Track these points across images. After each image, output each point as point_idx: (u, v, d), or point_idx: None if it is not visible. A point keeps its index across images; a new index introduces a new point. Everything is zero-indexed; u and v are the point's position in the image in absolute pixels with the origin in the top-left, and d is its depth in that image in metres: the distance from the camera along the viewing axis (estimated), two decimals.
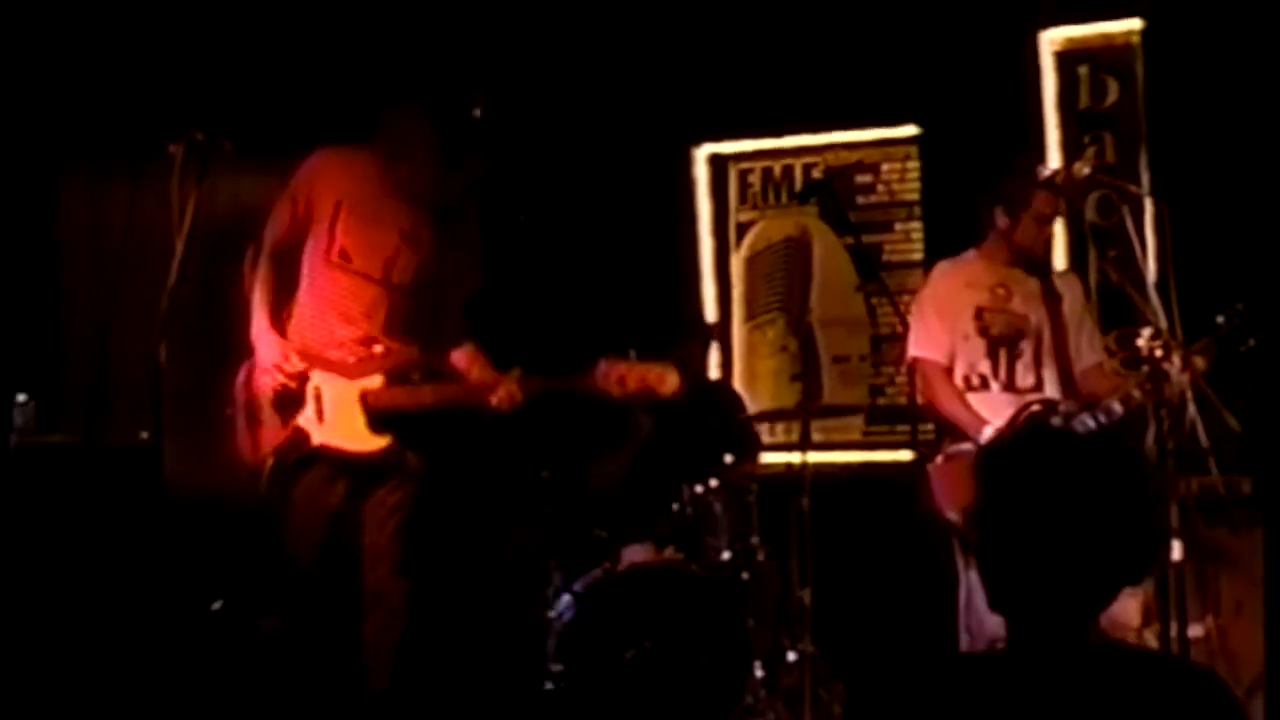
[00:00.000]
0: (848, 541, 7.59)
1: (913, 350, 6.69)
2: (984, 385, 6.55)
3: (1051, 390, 6.53)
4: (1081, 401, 6.44)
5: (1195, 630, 6.10)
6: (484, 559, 7.63)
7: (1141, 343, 6.11)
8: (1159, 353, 6.04)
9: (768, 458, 8.07)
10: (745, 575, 7.14)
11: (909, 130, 8.40)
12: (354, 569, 6.10)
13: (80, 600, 6.18)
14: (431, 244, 6.13)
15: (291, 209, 6.09)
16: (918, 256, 8.35)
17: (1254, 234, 7.14)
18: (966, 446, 6.38)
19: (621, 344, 7.92)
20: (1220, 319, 6.12)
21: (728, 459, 7.44)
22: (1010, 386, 6.55)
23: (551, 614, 7.18)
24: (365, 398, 6.04)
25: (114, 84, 7.78)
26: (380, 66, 8.02)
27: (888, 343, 8.44)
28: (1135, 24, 7.82)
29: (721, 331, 8.82)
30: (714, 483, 7.28)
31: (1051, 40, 8.00)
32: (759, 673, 6.90)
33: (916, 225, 8.44)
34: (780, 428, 8.43)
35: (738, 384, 8.70)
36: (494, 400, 6.11)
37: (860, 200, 8.55)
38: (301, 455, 6.00)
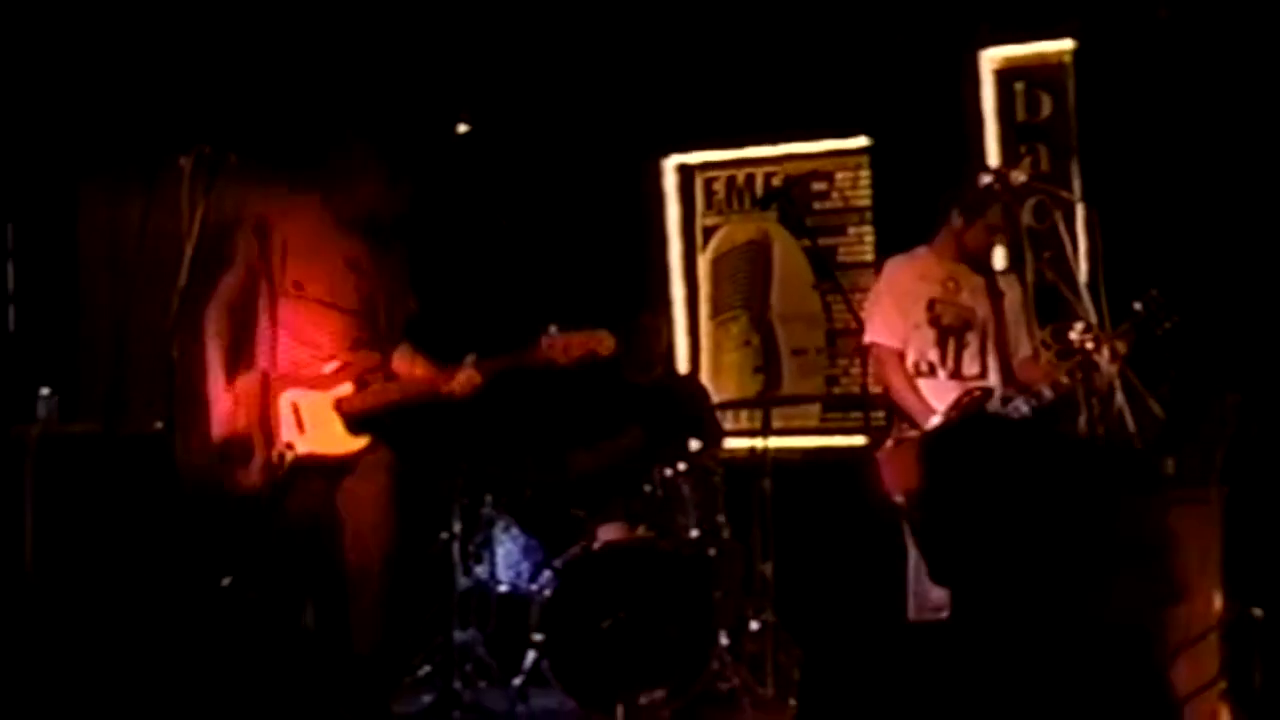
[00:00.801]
0: (806, 520, 7.60)
1: (869, 337, 6.66)
2: (932, 372, 6.54)
3: (993, 378, 6.53)
4: (1017, 388, 6.46)
5: None
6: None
7: (1074, 336, 6.11)
8: (1089, 345, 6.04)
9: (732, 443, 8.09)
10: (711, 551, 7.15)
11: (860, 142, 8.40)
12: (341, 556, 6.12)
13: (99, 574, 6.17)
14: (373, 270, 6.14)
15: (245, 264, 6.09)
16: (869, 258, 8.36)
17: (1175, 235, 7.18)
18: (914, 433, 6.38)
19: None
20: (1138, 305, 6.13)
21: (695, 445, 7.45)
22: (957, 374, 6.54)
23: (533, 588, 7.20)
24: (339, 404, 6.07)
25: (128, 103, 7.77)
26: (369, 82, 8.04)
27: (842, 337, 8.45)
28: (1067, 45, 7.83)
29: (690, 327, 8.82)
30: (682, 466, 7.29)
31: (991, 59, 8.00)
32: (724, 640, 6.91)
33: (868, 229, 8.45)
34: (744, 415, 8.45)
35: (705, 376, 8.70)
36: (455, 387, 6.13)
37: (816, 206, 8.56)
38: (291, 467, 6.03)
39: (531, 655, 6.95)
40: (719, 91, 8.33)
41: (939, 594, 2.91)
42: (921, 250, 6.70)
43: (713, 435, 7.85)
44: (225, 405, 6.00)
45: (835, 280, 8.03)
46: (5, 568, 6.25)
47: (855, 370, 8.13)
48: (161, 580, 5.89)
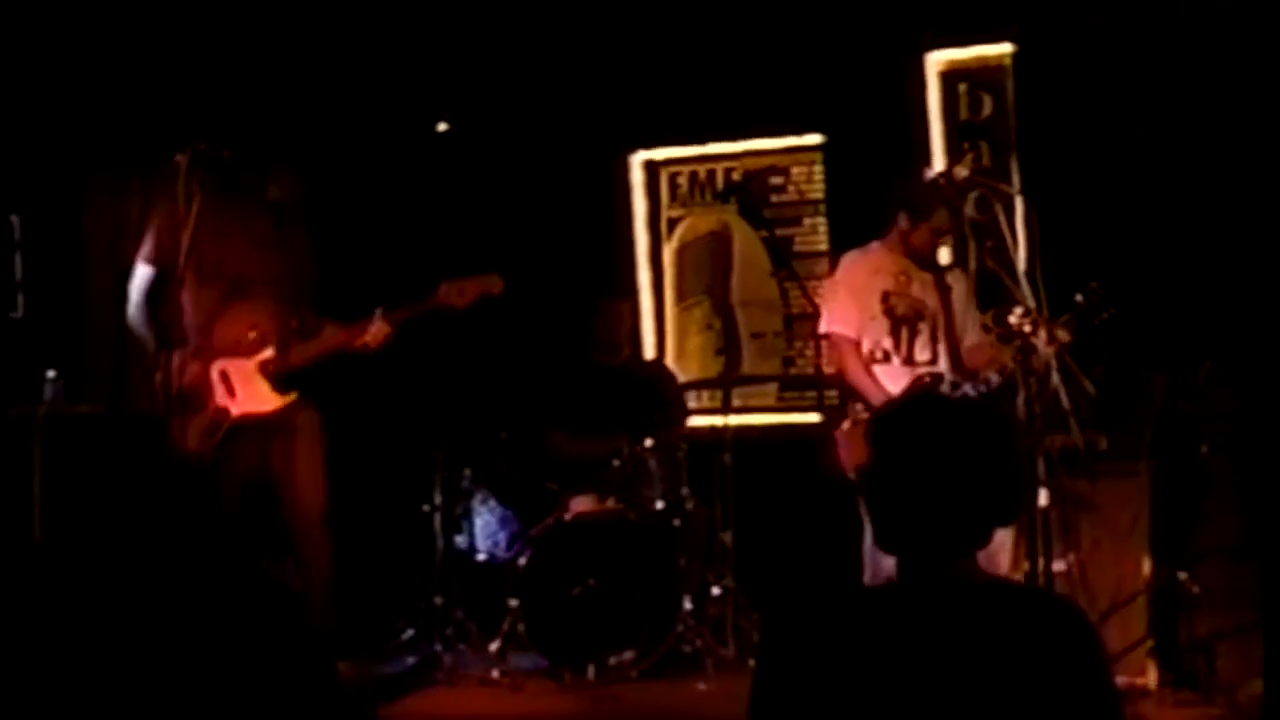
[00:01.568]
0: (764, 492, 7.61)
1: (827, 327, 6.65)
2: (886, 359, 6.54)
3: (943, 364, 6.53)
4: (966, 374, 6.47)
5: (1059, 565, 6.11)
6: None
7: (1013, 320, 6.11)
8: (1028, 329, 6.05)
9: (695, 421, 8.09)
10: (676, 522, 7.15)
11: (815, 139, 8.40)
12: (282, 512, 6.23)
13: (103, 545, 6.15)
14: (280, 246, 6.27)
15: (155, 249, 6.15)
16: (823, 247, 8.35)
17: (1106, 225, 7.19)
18: (869, 415, 6.38)
19: (563, 324, 7.98)
20: (1079, 297, 6.14)
21: (660, 422, 7.45)
22: (909, 360, 6.54)
23: (510, 556, 7.19)
24: (264, 366, 6.22)
25: (130, 102, 7.73)
26: (348, 83, 8.01)
27: (798, 321, 8.45)
28: (1007, 48, 7.83)
29: (656, 313, 8.81)
30: (649, 442, 7.29)
31: (935, 62, 8.00)
32: (688, 605, 6.91)
33: (821, 220, 8.44)
34: (706, 395, 8.45)
35: (670, 358, 8.69)
36: (368, 338, 6.23)
37: (773, 199, 8.55)
38: (227, 429, 6.11)
39: (508, 620, 6.95)
40: (683, 93, 8.32)
41: (892, 562, 2.91)
42: (874, 245, 6.70)
43: (677, 414, 7.86)
44: (175, 362, 6.07)
45: (791, 268, 8.01)
46: (15, 539, 6.24)
47: (810, 353, 8.13)
48: (163, 553, 5.88)
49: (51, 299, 7.72)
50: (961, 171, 6.96)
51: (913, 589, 2.84)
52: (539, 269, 8.11)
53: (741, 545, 7.17)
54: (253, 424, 6.18)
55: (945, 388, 6.38)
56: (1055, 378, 6.06)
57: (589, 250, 8.58)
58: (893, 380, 6.41)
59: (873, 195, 6.81)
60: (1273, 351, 5.27)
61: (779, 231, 8.35)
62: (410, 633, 7.32)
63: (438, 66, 8.38)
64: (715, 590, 7.11)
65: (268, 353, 6.23)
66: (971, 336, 6.64)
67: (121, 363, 6.60)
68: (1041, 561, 5.83)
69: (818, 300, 6.78)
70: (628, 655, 6.81)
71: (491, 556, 7.45)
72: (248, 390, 6.19)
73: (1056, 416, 6.07)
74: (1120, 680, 5.86)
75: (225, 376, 6.18)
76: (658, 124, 8.50)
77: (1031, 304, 6.11)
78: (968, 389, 6.34)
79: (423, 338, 6.51)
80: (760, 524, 7.42)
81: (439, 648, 7.15)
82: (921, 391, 6.28)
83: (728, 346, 8.69)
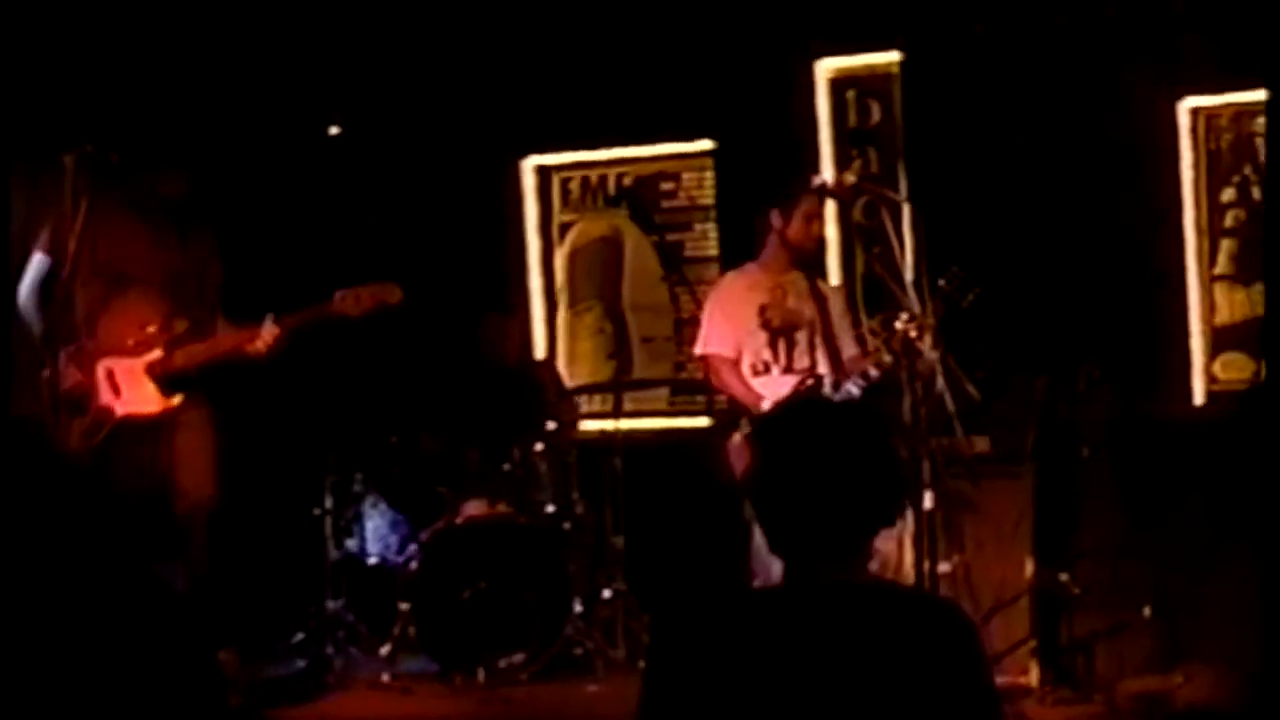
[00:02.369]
0: (654, 496, 7.62)
1: (703, 349, 6.76)
2: (766, 370, 6.62)
3: (823, 369, 6.61)
4: (847, 373, 6.53)
5: (944, 567, 6.18)
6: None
7: (899, 325, 6.18)
8: (913, 333, 6.12)
9: (586, 424, 8.09)
10: (566, 525, 7.16)
11: (705, 145, 8.42)
12: (173, 512, 6.18)
13: None
14: (177, 246, 6.24)
15: (50, 239, 6.09)
16: (713, 252, 8.38)
17: (990, 231, 7.28)
18: None
19: (453, 328, 7.96)
20: (941, 281, 6.21)
21: (550, 426, 7.45)
22: (789, 369, 6.61)
23: (400, 559, 7.17)
24: (150, 368, 6.18)
25: (11, 103, 7.62)
26: (240, 86, 7.94)
27: (688, 325, 8.43)
28: (895, 56, 7.89)
29: (547, 317, 8.80)
30: (539, 446, 7.29)
31: (825, 70, 8.05)
32: (578, 608, 6.92)
33: (712, 226, 8.46)
34: (597, 399, 8.44)
35: (561, 362, 8.68)
36: (259, 344, 6.21)
37: (664, 204, 8.56)
38: (110, 430, 6.06)
39: (399, 623, 6.92)
40: (574, 99, 8.33)
41: (779, 566, 2.93)
42: (750, 266, 6.81)
43: (568, 417, 7.85)
44: (61, 361, 6.00)
45: (682, 273, 8.08)
46: None
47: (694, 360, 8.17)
48: (48, 559, 5.79)
49: None
50: (849, 178, 7.04)
51: (798, 591, 2.86)
52: (430, 273, 8.08)
53: (632, 548, 7.20)
54: (137, 425, 6.12)
55: (827, 389, 6.45)
56: (940, 382, 6.13)
57: (480, 255, 8.56)
58: (775, 390, 6.48)
59: (762, 201, 6.84)
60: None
61: (669, 237, 8.38)
62: (301, 636, 7.27)
63: (330, 70, 8.33)
64: (605, 593, 7.12)
65: (155, 354, 6.19)
66: (851, 348, 6.73)
67: (4, 366, 6.52)
68: (928, 563, 5.90)
69: (700, 320, 6.84)
70: (518, 658, 6.81)
71: (382, 560, 7.42)
72: (133, 391, 6.14)
73: (941, 419, 6.15)
74: (1002, 680, 5.93)
75: (111, 375, 6.12)
76: (549, 129, 8.50)
77: (917, 309, 6.17)
78: (850, 387, 6.40)
79: (314, 341, 6.47)
80: (650, 527, 7.44)
81: (330, 651, 7.11)
82: (803, 395, 6.34)
83: (619, 351, 8.70)
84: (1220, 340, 7.37)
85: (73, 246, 5.77)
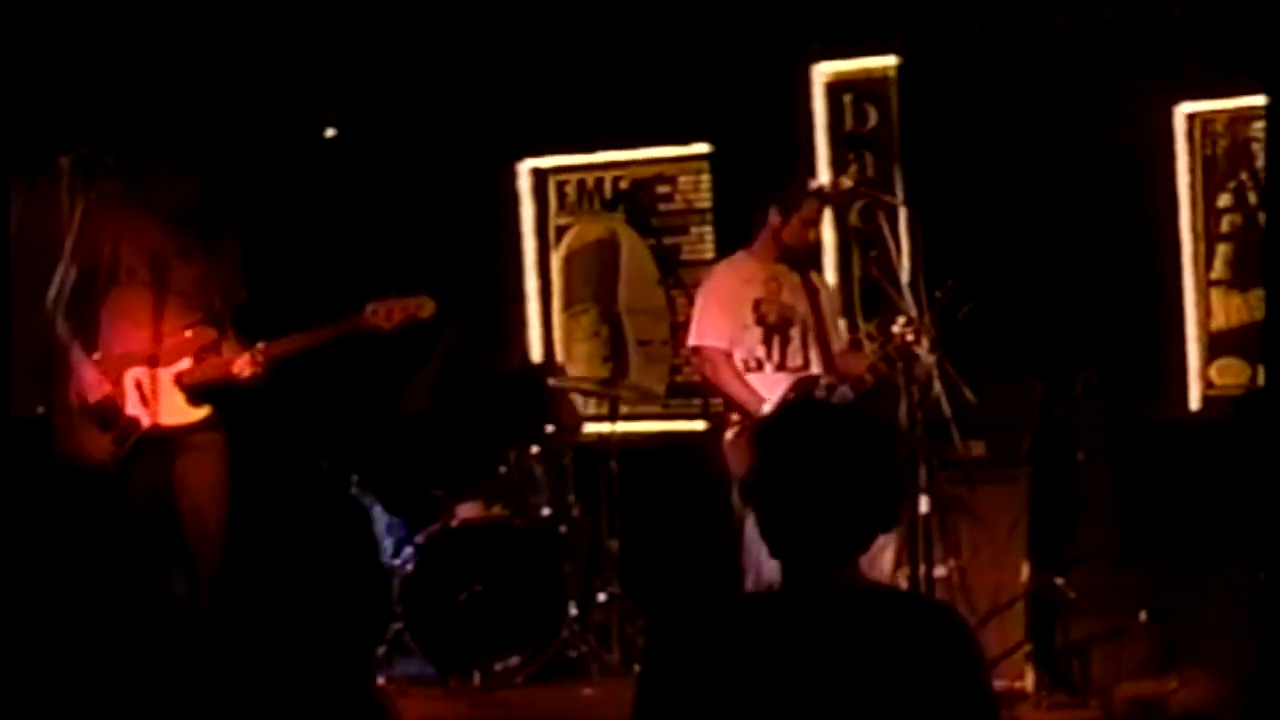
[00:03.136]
0: (650, 499, 7.62)
1: (696, 340, 6.71)
2: (759, 367, 6.59)
3: (816, 368, 6.60)
4: (839, 376, 6.53)
5: (939, 571, 6.19)
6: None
7: (896, 329, 6.19)
8: (910, 337, 6.13)
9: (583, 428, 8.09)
10: (562, 528, 7.16)
11: (702, 148, 8.41)
12: (177, 524, 6.15)
13: None
14: (203, 257, 6.19)
15: (79, 257, 6.07)
16: (709, 256, 8.36)
17: (987, 235, 7.28)
18: (745, 423, 6.41)
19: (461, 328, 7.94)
20: (937, 293, 6.22)
21: (548, 429, 7.45)
22: (782, 367, 6.60)
23: (396, 562, 7.16)
24: (179, 378, 6.11)
25: (10, 104, 7.61)
26: (237, 88, 7.94)
27: (684, 329, 8.43)
28: (891, 61, 7.89)
29: (544, 319, 8.80)
30: (535, 449, 7.29)
31: (822, 73, 8.04)
32: (573, 611, 6.92)
33: (708, 229, 8.46)
34: (592, 401, 8.44)
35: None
36: (235, 369, 6.14)
37: (660, 207, 8.56)
38: (137, 440, 6.03)
39: (394, 626, 6.92)
40: (571, 102, 8.32)
41: (772, 567, 2.93)
42: (741, 255, 6.76)
43: (566, 420, 7.85)
44: (92, 373, 6.03)
45: (678, 276, 8.09)
46: None
47: (685, 352, 8.16)
48: (45, 560, 5.80)
49: None
50: (846, 182, 7.05)
51: (795, 595, 2.86)
52: (427, 276, 8.07)
53: (627, 552, 7.19)
54: (161, 436, 6.08)
55: (821, 390, 6.44)
56: (937, 386, 6.14)
57: (477, 257, 8.55)
58: (769, 387, 6.46)
59: (759, 203, 6.84)
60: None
61: (666, 240, 8.38)
62: None
63: (326, 73, 8.33)
64: (601, 596, 7.12)
65: (184, 363, 6.12)
66: (839, 343, 6.72)
67: (2, 367, 6.51)
68: (923, 567, 5.90)
69: (690, 312, 6.82)
70: (513, 661, 6.81)
71: None
72: (162, 401, 6.07)
73: (937, 424, 6.15)
74: (998, 684, 5.93)
75: (140, 386, 6.06)
76: (546, 132, 8.50)
77: (914, 313, 6.18)
78: (844, 390, 6.40)
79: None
80: (646, 530, 7.43)
81: None
82: (801, 395, 6.33)
83: (614, 353, 8.70)
84: (1216, 345, 7.36)
85: (90, 246, 5.80)
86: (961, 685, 2.76)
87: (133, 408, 6.06)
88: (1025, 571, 6.59)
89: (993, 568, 6.56)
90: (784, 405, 6.13)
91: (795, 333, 6.61)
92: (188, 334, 6.14)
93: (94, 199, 5.91)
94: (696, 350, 6.74)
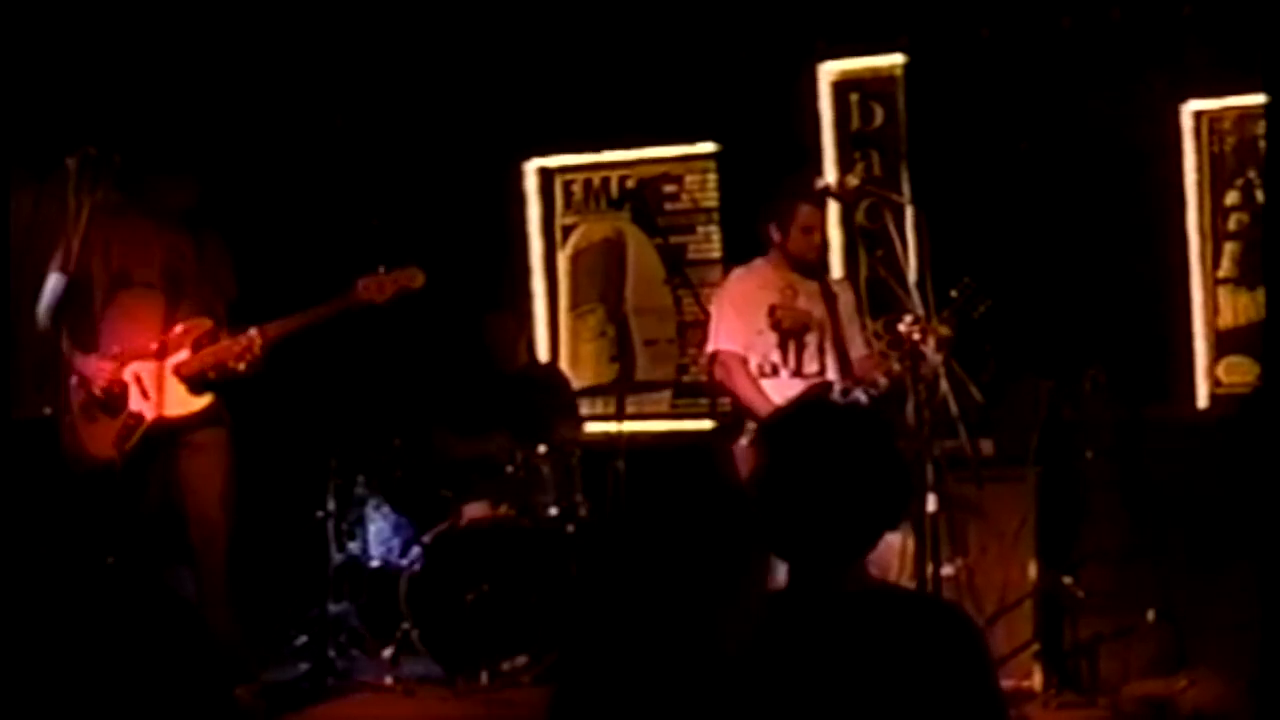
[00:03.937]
0: (657, 498, 7.60)
1: (714, 345, 6.69)
2: (775, 373, 6.58)
3: (832, 374, 6.59)
4: (855, 380, 6.52)
5: (947, 570, 6.18)
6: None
7: (903, 328, 6.18)
8: (917, 336, 6.12)
9: (589, 427, 8.08)
10: (569, 528, 7.15)
11: (708, 147, 8.41)
12: (183, 522, 6.22)
13: None
14: (193, 256, 6.27)
15: (64, 256, 6.11)
16: (716, 255, 8.37)
17: (994, 234, 7.28)
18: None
19: (456, 330, 7.94)
20: (954, 292, 6.21)
21: (555, 428, 7.45)
22: (798, 373, 6.59)
23: (403, 562, 7.16)
24: (178, 369, 6.20)
25: (18, 105, 7.62)
26: (245, 86, 7.95)
27: (691, 328, 8.45)
28: (898, 59, 7.89)
29: (550, 319, 8.80)
30: (542, 449, 7.29)
31: (828, 72, 8.05)
32: None
33: (715, 228, 8.46)
34: (600, 401, 8.43)
35: (564, 364, 8.68)
36: (233, 354, 6.21)
37: (667, 207, 8.56)
38: (143, 433, 6.06)
39: (402, 626, 6.92)
40: (577, 100, 8.33)
41: (782, 569, 2.93)
42: (758, 262, 6.76)
43: (573, 420, 7.85)
44: (94, 364, 6.11)
45: (685, 276, 8.07)
46: None
47: (704, 360, 8.16)
48: (54, 559, 5.81)
49: None
50: (853, 181, 7.03)
51: (803, 595, 2.86)
52: (433, 274, 8.08)
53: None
54: (165, 430, 6.13)
55: (836, 395, 6.43)
56: (944, 384, 6.13)
57: (483, 256, 8.56)
58: (782, 393, 6.45)
59: (764, 205, 6.84)
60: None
61: (672, 239, 8.37)
62: (304, 639, 7.27)
63: (333, 72, 8.33)
64: None
65: (182, 355, 6.20)
66: (860, 347, 6.71)
67: (8, 368, 6.53)
68: (930, 566, 5.90)
69: (708, 324, 6.81)
70: (521, 661, 6.81)
71: (385, 563, 7.41)
72: (164, 394, 6.14)
73: (945, 423, 6.14)
74: (1006, 683, 5.93)
75: (140, 380, 6.14)
76: (552, 131, 8.50)
77: (921, 312, 6.17)
78: (858, 394, 6.40)
79: (317, 342, 6.47)
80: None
81: (332, 654, 7.11)
82: (809, 398, 6.33)
83: (621, 353, 8.70)
84: (1224, 343, 7.36)
85: (82, 253, 5.83)
86: (969, 684, 2.76)
87: (135, 402, 6.12)
88: (1033, 570, 6.58)
89: (1000, 566, 6.55)
90: (787, 406, 6.12)
91: (811, 339, 6.60)
92: (183, 328, 6.24)
93: (93, 208, 5.93)
94: (714, 355, 6.73)
